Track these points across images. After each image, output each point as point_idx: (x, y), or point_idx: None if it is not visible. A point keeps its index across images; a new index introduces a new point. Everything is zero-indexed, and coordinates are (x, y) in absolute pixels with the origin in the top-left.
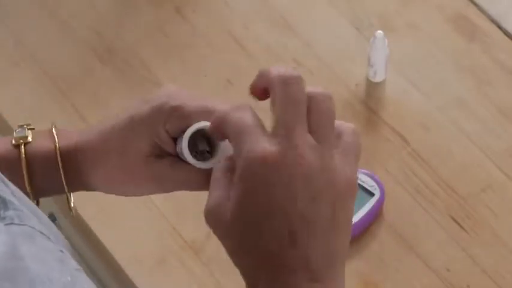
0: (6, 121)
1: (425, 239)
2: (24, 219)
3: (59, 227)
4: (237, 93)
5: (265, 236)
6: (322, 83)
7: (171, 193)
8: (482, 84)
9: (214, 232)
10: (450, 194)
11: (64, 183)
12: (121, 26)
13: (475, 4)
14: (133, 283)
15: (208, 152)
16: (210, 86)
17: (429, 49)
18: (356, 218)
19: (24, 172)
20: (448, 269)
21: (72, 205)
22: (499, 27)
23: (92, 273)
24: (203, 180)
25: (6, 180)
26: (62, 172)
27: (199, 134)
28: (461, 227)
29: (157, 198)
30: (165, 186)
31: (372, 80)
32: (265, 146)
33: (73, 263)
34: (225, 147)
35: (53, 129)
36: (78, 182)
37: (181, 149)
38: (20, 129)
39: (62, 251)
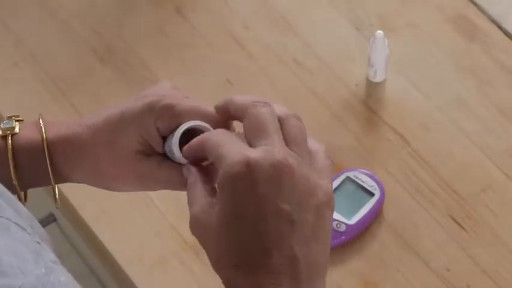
0: None
1: (425, 239)
2: None
3: (59, 227)
4: (237, 93)
5: (254, 238)
6: (322, 83)
7: (171, 193)
8: (482, 84)
9: (200, 240)
10: (450, 194)
11: (50, 175)
12: (121, 26)
13: (475, 4)
14: (134, 283)
15: None
16: (210, 86)
17: (429, 49)
18: (356, 218)
19: (11, 163)
20: (448, 269)
21: (57, 197)
22: (499, 27)
23: (92, 273)
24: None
25: None
26: (48, 163)
27: (189, 135)
28: (461, 227)
29: (157, 198)
30: (149, 184)
31: (372, 80)
32: (246, 152)
33: (50, 255)
34: None
35: (40, 120)
36: (65, 174)
37: (170, 146)
38: (7, 121)
39: (38, 242)
